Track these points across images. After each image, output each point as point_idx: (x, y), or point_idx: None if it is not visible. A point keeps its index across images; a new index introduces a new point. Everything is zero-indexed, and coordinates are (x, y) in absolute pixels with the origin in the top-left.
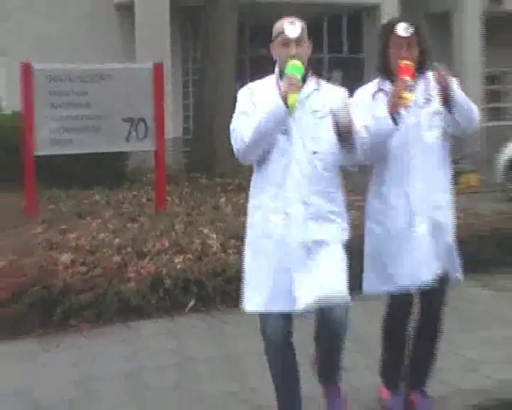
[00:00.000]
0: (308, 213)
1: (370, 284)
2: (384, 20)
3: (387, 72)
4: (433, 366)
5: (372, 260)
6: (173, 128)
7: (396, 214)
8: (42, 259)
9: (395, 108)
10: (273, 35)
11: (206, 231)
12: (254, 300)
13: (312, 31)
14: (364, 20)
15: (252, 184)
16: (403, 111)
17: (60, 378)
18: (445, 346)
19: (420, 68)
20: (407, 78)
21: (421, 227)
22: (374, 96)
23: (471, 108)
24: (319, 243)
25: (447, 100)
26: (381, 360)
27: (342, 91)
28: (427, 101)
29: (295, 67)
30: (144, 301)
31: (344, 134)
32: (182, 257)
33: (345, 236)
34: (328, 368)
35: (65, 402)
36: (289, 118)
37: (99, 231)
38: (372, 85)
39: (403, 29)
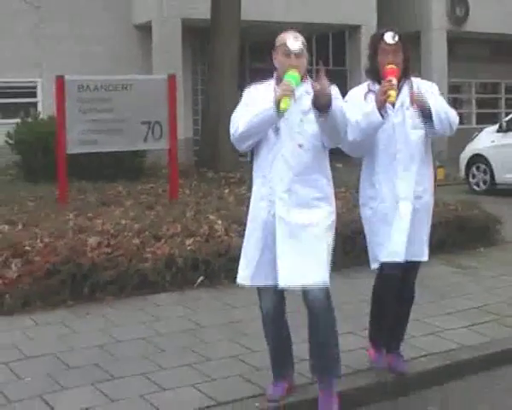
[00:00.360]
0: (291, 201)
1: (374, 257)
2: (364, 38)
3: (376, 75)
4: (405, 332)
5: (371, 238)
6: (184, 130)
7: (383, 199)
8: (72, 241)
9: (382, 104)
10: (277, 43)
11: (212, 217)
12: (243, 274)
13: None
14: (347, 38)
15: (253, 175)
16: (389, 108)
17: (88, 342)
18: (414, 316)
19: (404, 73)
20: (392, 78)
21: (403, 212)
22: (365, 96)
23: (449, 115)
24: (303, 228)
25: (426, 116)
26: (370, 325)
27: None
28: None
29: (293, 76)
30: (159, 278)
31: (320, 101)
32: (192, 240)
33: (331, 219)
34: (321, 362)
35: (92, 362)
36: (280, 118)
37: (121, 217)
38: (363, 87)
39: (390, 37)
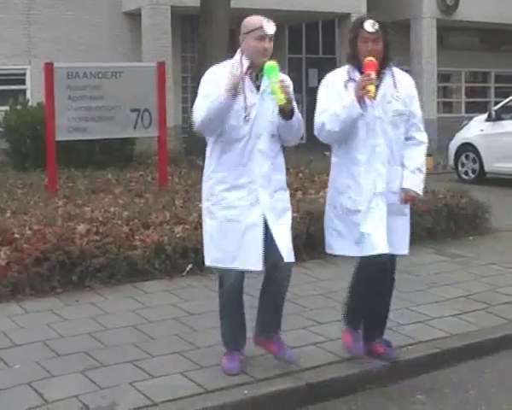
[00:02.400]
0: (272, 188)
1: (336, 246)
2: None
3: (357, 61)
4: (387, 316)
5: (337, 227)
6: (174, 117)
7: (361, 192)
8: (62, 229)
9: (360, 97)
10: (247, 28)
11: (201, 205)
12: (215, 256)
13: (293, 34)
14: (337, 26)
15: (212, 162)
16: (368, 102)
17: (77, 329)
18: (403, 304)
19: (385, 61)
20: (372, 72)
21: (379, 206)
22: (345, 84)
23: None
24: (280, 212)
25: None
26: (347, 307)
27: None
28: (395, 99)
29: (273, 66)
30: (149, 265)
31: (284, 112)
32: (181, 227)
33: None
34: (274, 323)
35: (81, 350)
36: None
37: (110, 205)
38: (342, 72)
39: (370, 25)
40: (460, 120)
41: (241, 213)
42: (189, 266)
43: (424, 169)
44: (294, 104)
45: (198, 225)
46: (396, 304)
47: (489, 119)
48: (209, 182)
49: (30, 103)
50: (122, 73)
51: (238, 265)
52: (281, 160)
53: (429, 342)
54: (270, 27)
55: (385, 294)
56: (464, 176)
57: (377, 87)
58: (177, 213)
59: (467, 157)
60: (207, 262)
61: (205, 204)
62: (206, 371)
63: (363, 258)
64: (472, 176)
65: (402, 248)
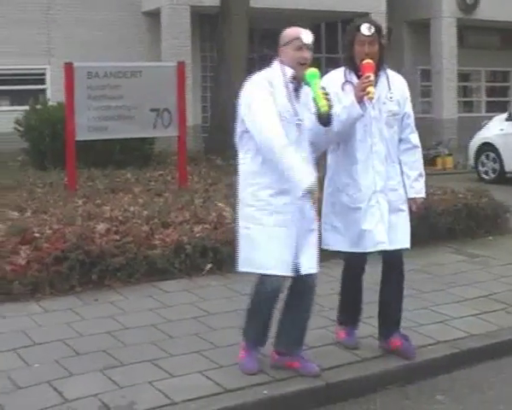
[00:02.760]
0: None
1: (332, 242)
2: None
3: (353, 64)
4: (401, 310)
5: (334, 223)
6: (193, 117)
7: (360, 189)
8: (81, 228)
9: (360, 99)
10: (285, 40)
11: (221, 204)
12: (256, 261)
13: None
14: None
15: (254, 167)
16: (367, 102)
17: (97, 328)
18: (422, 304)
19: (379, 64)
20: (371, 74)
21: (379, 203)
22: (342, 87)
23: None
24: (312, 218)
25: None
26: (339, 305)
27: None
28: (389, 100)
29: (314, 73)
30: (168, 264)
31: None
32: (200, 227)
33: None
34: (298, 340)
35: (101, 349)
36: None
37: (130, 204)
38: (339, 74)
39: (366, 29)
40: (480, 119)
41: (287, 218)
42: (209, 265)
43: (423, 172)
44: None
45: (218, 225)
46: (416, 304)
47: (509, 118)
48: (253, 187)
49: (50, 103)
50: (142, 73)
51: (285, 270)
52: (314, 168)
53: (449, 342)
54: (307, 37)
55: (394, 290)
56: (484, 175)
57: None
58: (197, 212)
59: (487, 157)
60: (242, 268)
61: (247, 209)
62: (225, 370)
63: (351, 254)
64: (492, 176)
65: (404, 242)
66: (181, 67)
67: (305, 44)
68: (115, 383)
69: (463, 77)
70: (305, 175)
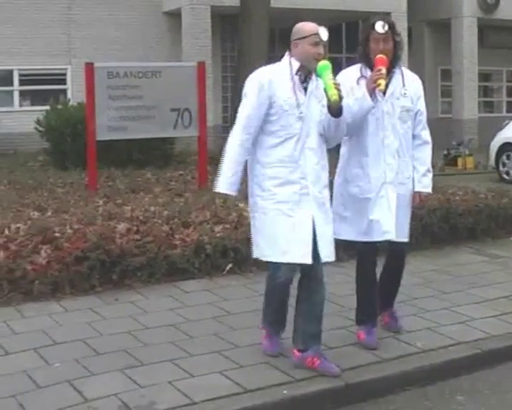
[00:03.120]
0: (319, 184)
1: (341, 231)
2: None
3: (368, 60)
4: (397, 291)
5: (343, 213)
6: (214, 117)
7: (370, 181)
8: (102, 228)
9: (372, 91)
10: (302, 34)
11: (241, 204)
12: (265, 250)
13: (333, 33)
14: None
15: (265, 159)
16: (379, 96)
17: (117, 328)
18: (443, 305)
19: (395, 61)
20: (382, 68)
21: (388, 195)
22: (358, 81)
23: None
24: (326, 209)
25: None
26: (357, 304)
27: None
28: (403, 96)
29: (326, 65)
30: (188, 264)
31: (333, 111)
32: (221, 227)
33: None
34: (314, 334)
35: (121, 348)
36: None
37: (150, 204)
38: (355, 70)
39: (380, 26)
40: (501, 119)
41: (292, 207)
42: (229, 265)
43: (431, 168)
44: (343, 103)
45: (238, 225)
46: (436, 305)
47: None
48: (259, 178)
49: (71, 103)
50: (162, 73)
51: (289, 258)
52: (326, 159)
53: (469, 343)
54: (324, 34)
55: (394, 277)
56: (505, 176)
57: (387, 84)
58: (217, 212)
59: (508, 157)
60: (255, 255)
61: (254, 199)
62: (245, 370)
63: (361, 245)
64: None
65: (405, 236)
66: (201, 66)
67: (322, 41)
68: (135, 382)
69: (484, 77)
70: (220, 184)
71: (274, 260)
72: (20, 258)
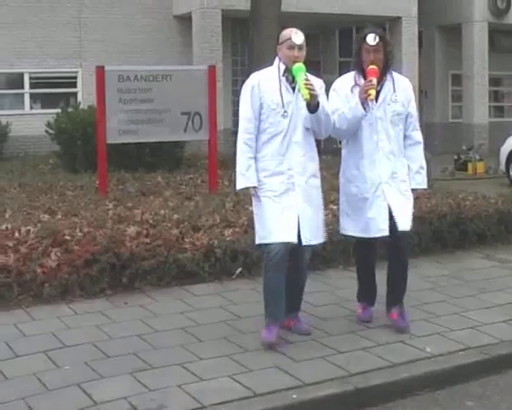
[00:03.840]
0: (307, 175)
1: (346, 227)
2: (404, 30)
3: (361, 69)
4: (404, 288)
5: (347, 210)
6: (224, 120)
7: (365, 180)
8: (112, 231)
9: (363, 100)
10: (281, 40)
11: (251, 208)
12: (261, 234)
13: (344, 38)
14: (388, 30)
15: (258, 154)
16: (371, 103)
17: (126, 331)
18: (453, 309)
19: (386, 69)
20: (373, 79)
21: (384, 192)
22: (352, 89)
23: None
24: (313, 196)
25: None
26: (358, 288)
27: (320, 81)
28: (393, 101)
29: (300, 67)
30: (198, 268)
31: (310, 105)
32: (231, 231)
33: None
34: (298, 302)
35: (130, 351)
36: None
37: (160, 207)
38: (350, 77)
39: (371, 39)
40: (511, 124)
41: (280, 195)
42: (239, 269)
43: (424, 164)
44: (322, 100)
45: (248, 229)
46: (446, 310)
47: None
48: None
49: (81, 106)
50: (172, 76)
51: (279, 239)
52: (314, 150)
53: (479, 348)
54: (297, 38)
55: (398, 268)
56: None
57: (379, 91)
58: (227, 216)
59: None
60: (256, 241)
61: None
62: (254, 374)
63: (359, 238)
64: None
65: (406, 225)
66: (212, 70)
67: (296, 44)
68: (145, 385)
69: (495, 81)
70: (238, 182)
71: (267, 241)
72: (30, 261)
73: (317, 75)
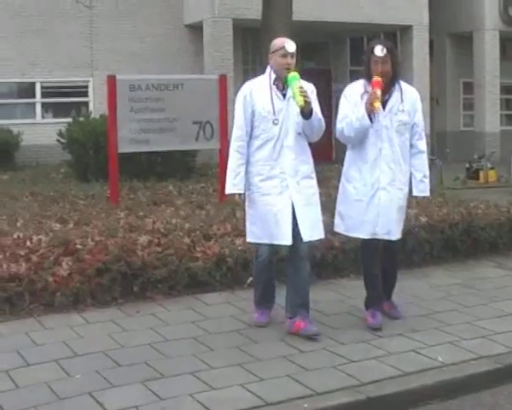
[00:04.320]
0: (299, 177)
1: (339, 225)
2: (415, 38)
3: (370, 78)
4: (395, 283)
5: (341, 209)
6: None
7: (365, 184)
8: (123, 240)
9: (369, 111)
10: (273, 48)
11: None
12: (258, 233)
13: (355, 46)
14: (399, 39)
15: (252, 159)
16: (375, 114)
17: (138, 340)
18: (465, 318)
19: (394, 77)
20: (377, 90)
21: (380, 199)
22: (362, 96)
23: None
24: (307, 196)
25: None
26: (367, 294)
27: (311, 86)
28: (400, 111)
29: (294, 76)
30: (210, 277)
31: (304, 112)
32: (242, 239)
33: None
34: (301, 304)
35: (142, 360)
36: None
37: (172, 216)
38: (360, 85)
39: (379, 50)
40: None
41: (274, 198)
42: (250, 278)
43: (428, 173)
44: (315, 107)
45: None
46: (458, 319)
47: None
48: (248, 175)
49: (93, 115)
50: (184, 86)
51: (273, 240)
52: (306, 154)
53: (491, 357)
54: (290, 47)
55: (389, 265)
56: None
57: (386, 101)
58: (238, 225)
59: None
60: (248, 239)
61: (246, 193)
62: (265, 383)
63: (363, 240)
64: None
65: (398, 234)
66: (223, 79)
67: (289, 53)
68: (156, 394)
69: (506, 90)
70: (227, 187)
71: (261, 241)
72: (42, 270)
73: (328, 84)
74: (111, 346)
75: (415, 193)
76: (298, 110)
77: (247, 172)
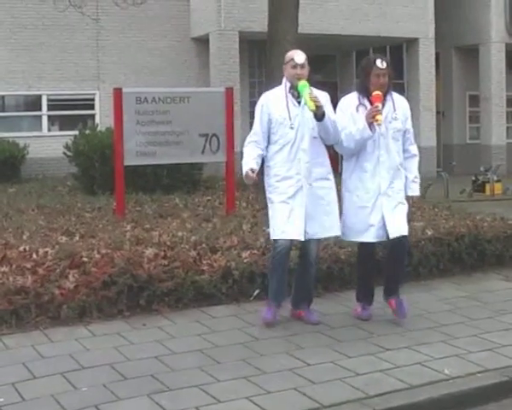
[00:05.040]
0: (313, 179)
1: (346, 233)
2: (421, 51)
3: (367, 90)
4: (402, 280)
5: (348, 218)
6: (241, 142)
7: (368, 191)
8: (129, 253)
9: (371, 123)
10: (285, 60)
11: (269, 230)
12: (274, 231)
13: (361, 59)
14: (405, 51)
15: (270, 162)
16: (376, 126)
17: (144, 353)
18: (472, 331)
19: (388, 89)
20: (379, 104)
21: (382, 203)
22: (357, 108)
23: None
24: (321, 196)
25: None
26: (357, 285)
27: (325, 94)
28: (394, 119)
29: (304, 84)
30: (216, 290)
31: (316, 115)
32: (248, 252)
33: (334, 185)
34: (305, 298)
35: (148, 373)
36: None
37: (178, 229)
38: (354, 98)
39: (380, 62)
40: None
41: (289, 197)
42: (257, 290)
43: (418, 175)
44: (327, 110)
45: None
46: (465, 332)
47: None
48: (266, 177)
49: (99, 128)
50: (190, 98)
51: (287, 236)
52: (322, 156)
53: (498, 370)
54: (299, 58)
55: (397, 264)
56: None
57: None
58: (245, 238)
59: None
60: (272, 237)
61: (266, 193)
62: (272, 396)
63: (361, 243)
64: None
65: (404, 231)
66: (229, 92)
67: (298, 64)
68: (162, 407)
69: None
70: (244, 166)
71: (277, 237)
72: (48, 282)
73: (335, 95)
74: (117, 359)
75: (408, 193)
76: (311, 114)
77: (266, 175)
